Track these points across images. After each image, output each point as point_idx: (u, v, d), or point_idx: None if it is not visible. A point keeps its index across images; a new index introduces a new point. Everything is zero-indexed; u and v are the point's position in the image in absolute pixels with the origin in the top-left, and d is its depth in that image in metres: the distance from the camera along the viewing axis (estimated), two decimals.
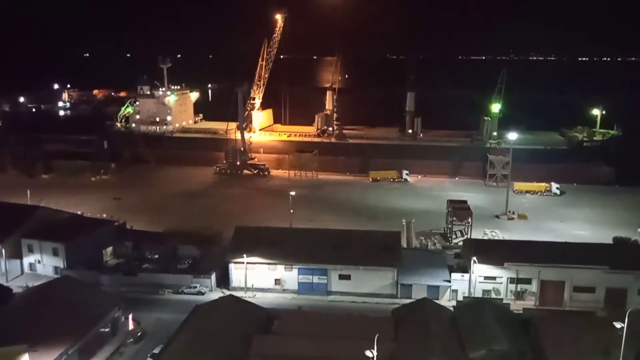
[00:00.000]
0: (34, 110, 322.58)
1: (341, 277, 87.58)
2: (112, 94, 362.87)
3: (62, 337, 60.67)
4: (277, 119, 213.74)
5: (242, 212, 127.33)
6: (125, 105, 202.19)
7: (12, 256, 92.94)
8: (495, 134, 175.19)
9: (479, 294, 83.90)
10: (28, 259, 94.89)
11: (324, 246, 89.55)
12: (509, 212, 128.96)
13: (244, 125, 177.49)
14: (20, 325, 60.47)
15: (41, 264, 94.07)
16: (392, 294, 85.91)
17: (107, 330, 70.18)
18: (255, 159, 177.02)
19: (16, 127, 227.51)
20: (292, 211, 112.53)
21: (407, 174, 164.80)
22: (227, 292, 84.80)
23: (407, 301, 78.30)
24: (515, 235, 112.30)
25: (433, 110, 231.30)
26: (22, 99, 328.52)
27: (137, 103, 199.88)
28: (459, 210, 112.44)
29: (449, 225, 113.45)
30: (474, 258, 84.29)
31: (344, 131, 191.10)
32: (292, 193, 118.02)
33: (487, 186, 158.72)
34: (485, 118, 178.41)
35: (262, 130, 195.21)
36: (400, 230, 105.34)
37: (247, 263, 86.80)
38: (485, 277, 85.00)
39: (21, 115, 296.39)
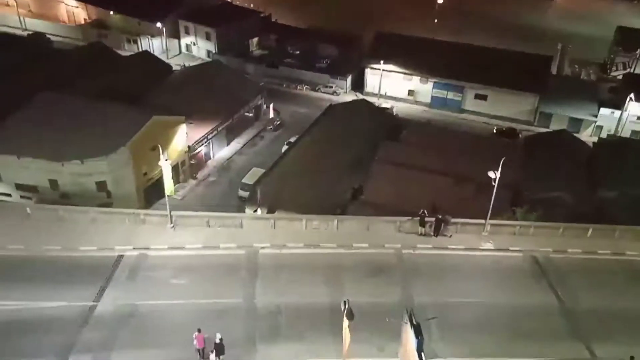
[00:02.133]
0: None
1: (477, 96, 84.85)
2: None
3: (214, 114, 67.38)
4: None
5: (385, 17, 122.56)
6: None
7: (171, 35, 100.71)
8: None
9: (626, 134, 77.71)
10: (185, 40, 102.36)
11: (464, 62, 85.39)
12: None
13: None
14: (178, 99, 67.32)
15: (196, 47, 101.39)
16: (529, 121, 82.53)
17: (251, 115, 76.75)
18: None
19: None
20: (436, 21, 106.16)
21: None
22: (361, 96, 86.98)
23: (544, 130, 75.22)
24: None
25: None
26: None
27: None
28: (629, 40, 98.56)
29: (612, 55, 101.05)
30: (632, 95, 76.22)
31: None
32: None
33: None
34: None
35: None
36: (553, 55, 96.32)
37: (383, 70, 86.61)
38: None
39: None
